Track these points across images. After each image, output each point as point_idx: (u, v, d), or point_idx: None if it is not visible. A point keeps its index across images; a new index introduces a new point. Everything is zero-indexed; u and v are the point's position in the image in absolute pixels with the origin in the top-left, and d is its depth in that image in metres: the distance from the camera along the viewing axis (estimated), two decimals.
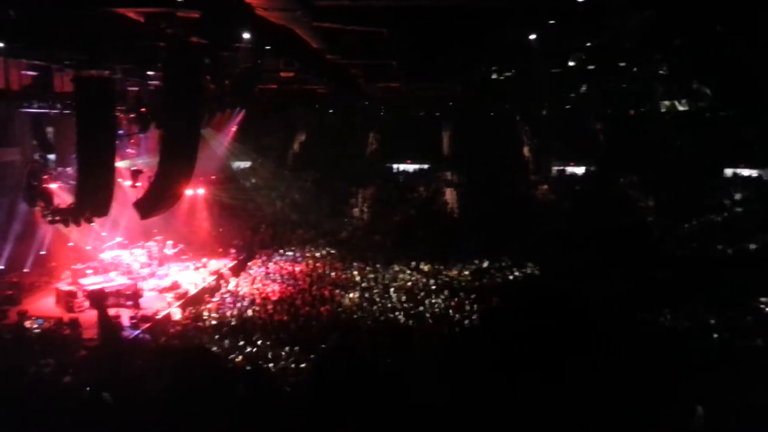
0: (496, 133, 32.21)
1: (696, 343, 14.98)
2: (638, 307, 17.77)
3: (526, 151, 34.01)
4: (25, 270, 20.47)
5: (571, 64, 20.14)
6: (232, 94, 21.82)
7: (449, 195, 32.43)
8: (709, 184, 28.97)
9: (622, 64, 21.17)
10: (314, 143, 34.72)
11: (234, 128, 28.83)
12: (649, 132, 30.12)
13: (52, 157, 21.83)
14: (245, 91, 20.60)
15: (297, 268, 23.70)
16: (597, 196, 30.05)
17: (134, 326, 17.37)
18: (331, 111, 33.06)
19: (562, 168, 34.31)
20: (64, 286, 19.66)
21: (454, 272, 23.30)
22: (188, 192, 21.86)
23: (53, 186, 19.16)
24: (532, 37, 16.43)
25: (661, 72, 23.06)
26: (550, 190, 32.38)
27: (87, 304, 18.75)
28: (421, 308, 18.73)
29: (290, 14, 12.01)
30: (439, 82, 25.32)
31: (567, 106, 31.29)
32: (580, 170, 34.45)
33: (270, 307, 18.65)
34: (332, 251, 26.42)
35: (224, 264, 24.40)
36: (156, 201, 16.07)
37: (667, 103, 29.12)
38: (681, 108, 29.06)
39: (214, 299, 20.34)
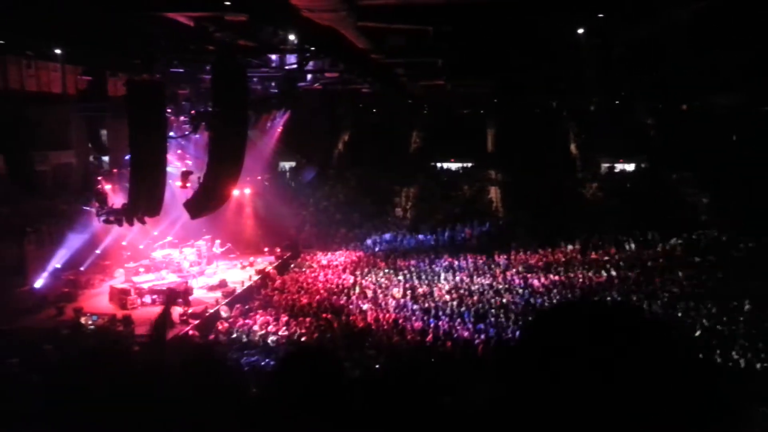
0: (542, 130, 31.60)
1: None
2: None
3: (573, 147, 33.25)
4: (81, 268, 21.22)
5: (620, 57, 19.58)
6: (278, 95, 22.13)
7: (493, 193, 32.03)
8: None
9: (674, 57, 20.46)
10: (358, 142, 34.85)
11: (279, 129, 29.21)
12: (703, 127, 29.02)
13: (106, 158, 22.60)
14: (291, 92, 20.85)
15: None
16: (649, 193, 29.18)
17: (184, 323, 17.80)
18: (374, 110, 33.13)
19: (611, 165, 33.44)
20: (118, 284, 20.31)
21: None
22: (235, 192, 22.29)
23: (107, 187, 19.85)
24: (580, 30, 16.05)
25: (715, 65, 22.15)
26: (599, 188, 31.60)
27: (139, 301, 19.35)
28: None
29: (335, 15, 12.05)
30: (484, 78, 25.03)
31: (616, 101, 30.44)
32: (630, 167, 33.52)
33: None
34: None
35: (269, 262, 24.78)
36: (205, 201, 16.44)
37: (722, 97, 27.97)
38: (736, 102, 27.88)
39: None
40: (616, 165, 33.50)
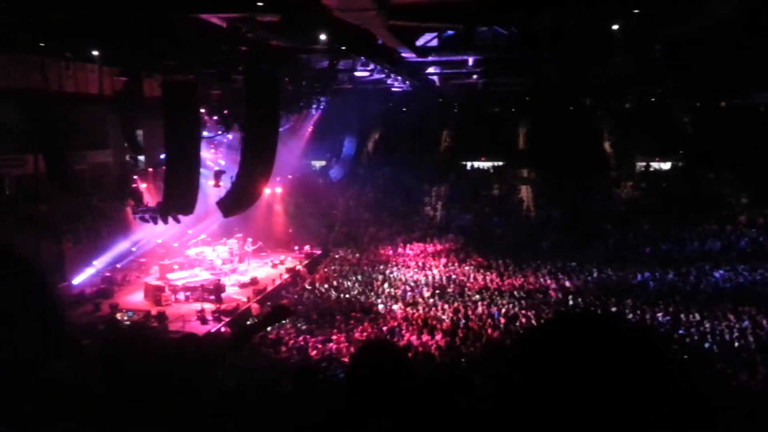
0: (576, 128, 31.08)
1: None
2: None
3: (607, 146, 32.65)
4: (117, 265, 21.69)
5: (657, 54, 19.12)
6: (309, 95, 22.23)
7: (525, 192, 31.67)
8: None
9: (713, 54, 19.88)
10: (388, 141, 34.84)
11: (310, 128, 29.38)
12: (742, 125, 28.18)
13: (141, 158, 23.05)
14: (322, 91, 20.94)
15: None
16: (685, 192, 28.50)
17: (217, 319, 18.06)
18: (404, 109, 33.07)
19: (646, 163, 32.74)
20: (153, 281, 20.70)
21: None
22: (266, 191, 22.51)
23: (142, 186, 20.27)
24: (615, 27, 15.70)
25: (755, 62, 21.45)
26: (634, 187, 30.97)
27: (173, 297, 19.70)
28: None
29: (366, 14, 12.04)
30: (517, 77, 24.77)
31: (652, 99, 29.78)
32: (666, 166, 32.77)
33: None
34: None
35: (300, 261, 24.96)
36: (237, 200, 16.66)
37: (762, 94, 27.12)
38: None
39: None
40: (651, 163, 32.79)
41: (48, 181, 18.36)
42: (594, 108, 31.96)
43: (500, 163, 34.33)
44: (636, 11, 14.22)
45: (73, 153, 19.33)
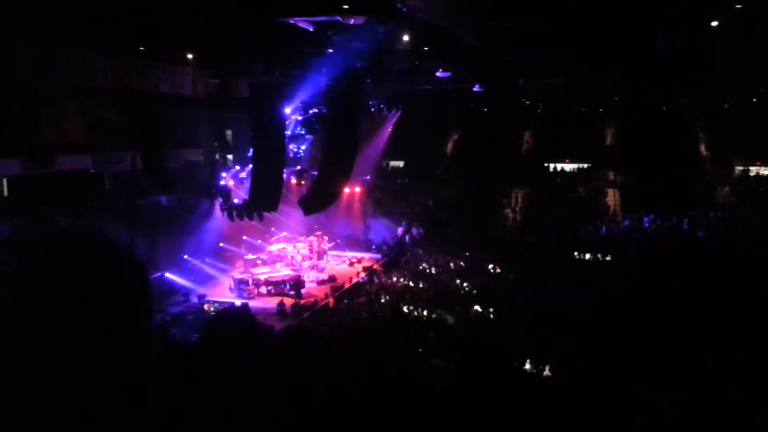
0: (668, 129, 29.46)
1: None
2: None
3: (702, 148, 30.74)
4: (206, 259, 22.72)
5: (758, 52, 17.84)
6: (390, 96, 22.39)
7: (611, 195, 30.38)
8: None
9: None
10: (467, 142, 34.46)
11: (389, 128, 29.58)
12: None
13: (230, 156, 24.03)
14: (403, 92, 21.04)
15: None
16: None
17: (296, 315, 18.56)
18: (485, 109, 32.60)
19: (745, 168, 30.56)
20: (238, 275, 21.55)
21: None
22: (345, 190, 22.91)
23: (230, 183, 21.15)
24: (715, 23, 14.78)
25: None
26: (731, 192, 28.99)
27: (256, 291, 20.46)
28: None
29: (450, 14, 11.99)
30: (604, 75, 23.82)
31: (753, 99, 27.76)
32: (767, 171, 30.46)
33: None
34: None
35: (377, 260, 25.20)
36: (318, 198, 17.06)
37: None
38: None
39: None
40: (751, 168, 30.55)
41: (144, 178, 19.49)
42: (689, 108, 30.18)
43: (585, 165, 33.12)
44: (738, 6, 13.34)
45: (167, 151, 20.39)
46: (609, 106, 31.24)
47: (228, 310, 17.55)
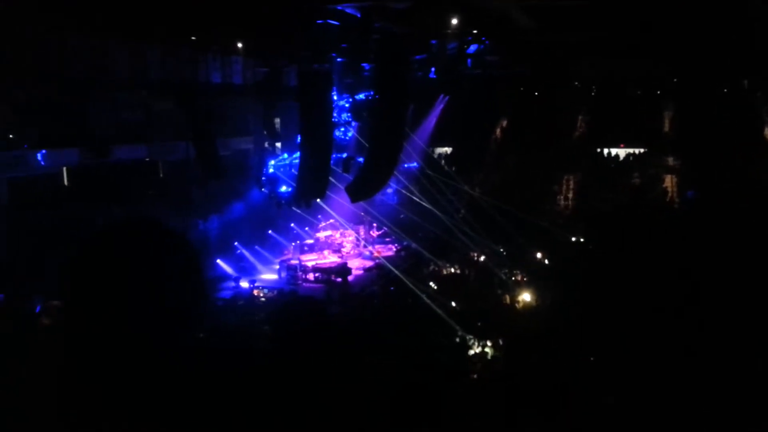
0: (730, 112, 28.02)
1: None
2: None
3: (767, 132, 29.15)
4: (255, 246, 23.12)
5: None
6: (438, 82, 22.08)
7: (669, 182, 29.21)
8: None
9: None
10: (517, 127, 33.69)
11: (437, 114, 29.21)
12: None
13: (278, 144, 24.29)
14: (451, 77, 20.70)
15: None
16: None
17: (341, 302, 18.67)
18: (536, 93, 31.76)
19: None
20: (286, 261, 21.86)
21: None
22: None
23: (280, 171, 21.39)
24: None
25: None
26: None
27: (304, 276, 20.72)
28: None
29: None
30: (661, 56, 22.81)
31: None
32: None
33: None
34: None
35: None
36: (364, 186, 17.01)
37: None
38: None
39: None
40: None
41: (196, 166, 19.92)
42: (753, 90, 28.59)
43: (641, 150, 31.91)
44: None
45: (219, 140, 20.79)
46: (667, 88, 29.92)
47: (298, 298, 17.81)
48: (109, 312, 2.67)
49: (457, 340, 15.03)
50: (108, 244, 2.80)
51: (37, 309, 13.45)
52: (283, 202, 19.56)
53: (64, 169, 18.45)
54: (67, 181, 18.63)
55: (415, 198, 29.05)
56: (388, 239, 25.82)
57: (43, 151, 17.23)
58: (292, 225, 24.09)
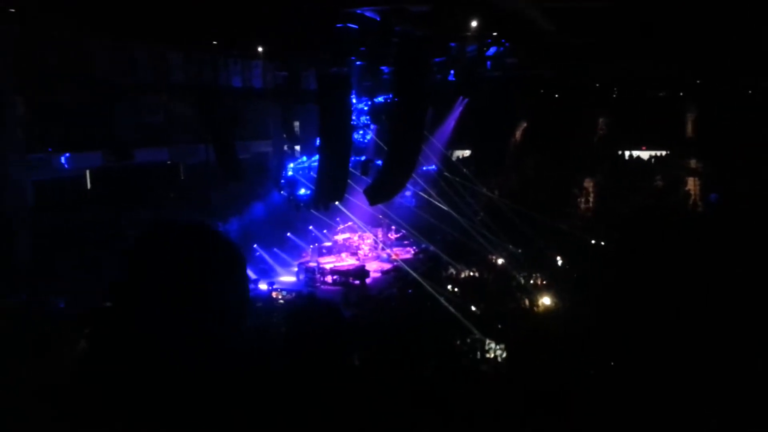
0: (755, 114, 27.52)
1: None
2: None
3: None
4: (274, 249, 23.26)
5: None
6: (457, 84, 22.04)
7: (692, 185, 28.78)
8: None
9: None
10: (537, 130, 33.46)
11: (456, 117, 29.13)
12: None
13: (297, 147, 24.44)
14: (470, 80, 20.64)
15: None
16: None
17: (358, 304, 18.68)
18: (556, 95, 31.53)
19: None
20: (305, 264, 21.94)
21: None
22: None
23: (299, 173, 21.50)
24: None
25: None
26: None
27: (322, 279, 20.77)
28: None
29: None
30: (683, 57, 22.50)
31: None
32: None
33: None
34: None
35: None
36: (383, 189, 17.02)
37: None
38: None
39: None
40: None
41: (216, 169, 20.12)
42: None
43: (663, 153, 31.47)
44: None
45: (239, 143, 20.98)
46: (691, 89, 29.50)
47: (315, 301, 17.89)
48: (171, 315, 2.66)
49: (476, 343, 14.95)
50: (166, 246, 2.79)
51: (61, 305, 13.65)
52: (301, 204, 19.66)
53: (87, 171, 18.76)
54: (90, 183, 18.93)
55: (433, 201, 29.06)
56: (406, 242, 25.81)
57: (67, 154, 17.54)
58: (311, 227, 24.18)
